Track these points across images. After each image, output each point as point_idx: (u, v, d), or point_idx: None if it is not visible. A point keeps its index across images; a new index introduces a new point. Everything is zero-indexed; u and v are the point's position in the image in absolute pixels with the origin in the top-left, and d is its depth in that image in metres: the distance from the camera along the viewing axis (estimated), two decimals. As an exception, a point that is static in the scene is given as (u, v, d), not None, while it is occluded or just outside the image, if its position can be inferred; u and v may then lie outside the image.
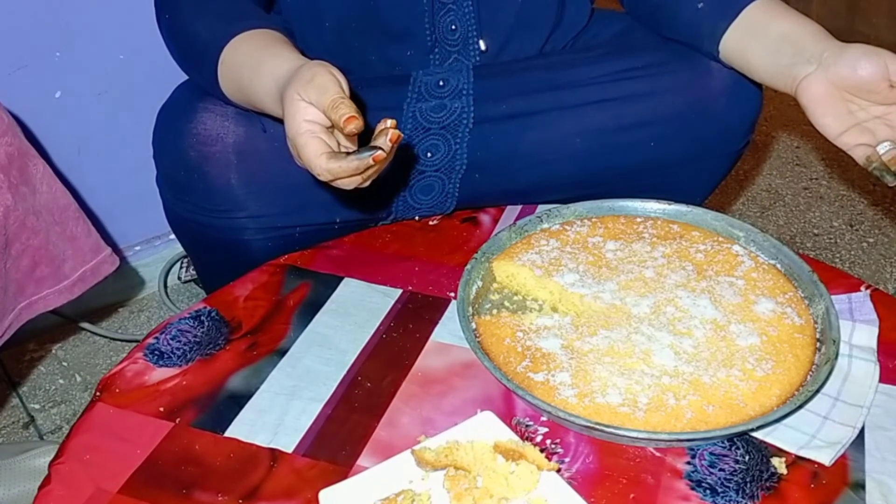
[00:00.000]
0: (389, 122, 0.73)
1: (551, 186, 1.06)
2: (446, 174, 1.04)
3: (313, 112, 0.74)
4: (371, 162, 0.72)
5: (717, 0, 0.96)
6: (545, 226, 0.93)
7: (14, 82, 1.30)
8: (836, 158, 1.92)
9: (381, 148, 0.72)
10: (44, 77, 1.33)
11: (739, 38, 0.94)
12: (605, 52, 1.05)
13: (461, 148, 1.03)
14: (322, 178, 0.74)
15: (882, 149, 0.81)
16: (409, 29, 1.02)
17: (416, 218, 1.04)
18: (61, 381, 1.41)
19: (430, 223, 1.03)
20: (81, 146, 1.41)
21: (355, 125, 0.71)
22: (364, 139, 0.75)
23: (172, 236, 1.50)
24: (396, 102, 1.02)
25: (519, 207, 1.05)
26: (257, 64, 0.84)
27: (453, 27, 1.03)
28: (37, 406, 1.37)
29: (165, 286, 1.59)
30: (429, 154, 1.03)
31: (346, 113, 0.71)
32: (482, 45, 1.05)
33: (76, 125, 1.38)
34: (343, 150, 0.76)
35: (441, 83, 1.02)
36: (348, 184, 0.75)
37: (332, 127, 0.75)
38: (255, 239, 0.99)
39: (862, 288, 0.88)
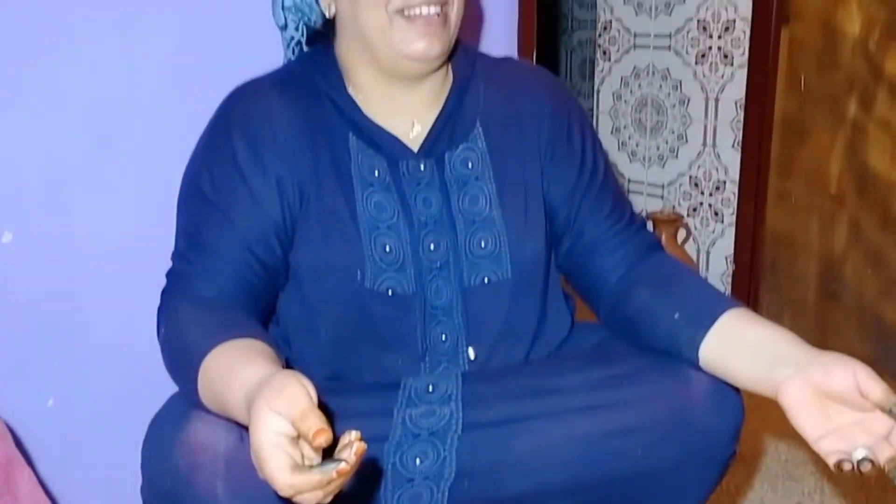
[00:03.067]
0: (354, 435, 0.74)
1: (542, 495, 1.04)
2: (435, 482, 1.03)
3: (280, 423, 0.74)
4: (334, 475, 0.72)
5: (693, 310, 1.03)
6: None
7: (8, 389, 1.32)
8: (826, 472, 1.90)
9: (345, 461, 0.72)
10: (39, 384, 1.35)
11: (717, 346, 0.99)
12: (588, 360, 1.09)
13: (450, 455, 1.03)
14: (284, 494, 0.73)
15: (858, 454, 0.82)
16: (402, 339, 1.07)
17: (404, 529, 1.01)
18: None
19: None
20: (67, 454, 1.39)
21: (325, 438, 0.71)
22: (328, 449, 0.75)
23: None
24: (386, 407, 1.04)
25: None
26: (231, 372, 0.86)
27: (443, 337, 1.09)
28: None
29: None
30: (417, 461, 1.02)
31: (315, 426, 0.72)
32: (472, 354, 1.10)
33: (64, 433, 1.38)
34: (308, 462, 0.75)
35: (430, 388, 1.05)
36: (310, 499, 0.74)
37: (298, 437, 0.75)
38: (238, 550, 0.95)
39: None
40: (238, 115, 1.08)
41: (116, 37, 1.31)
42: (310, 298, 1.08)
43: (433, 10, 1.03)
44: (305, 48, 1.18)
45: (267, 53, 1.23)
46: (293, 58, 1.18)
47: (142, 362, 1.35)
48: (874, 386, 0.87)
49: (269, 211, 1.05)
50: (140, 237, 1.36)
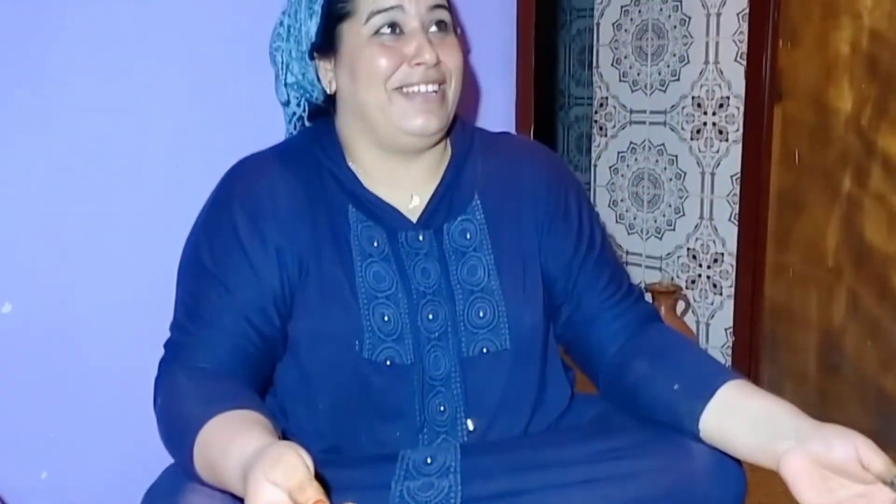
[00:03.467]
0: None
1: (541, 570, 1.02)
2: (433, 557, 1.01)
3: (277, 494, 0.74)
4: None
5: (692, 381, 1.03)
6: None
7: (2, 460, 1.30)
8: (833, 549, 1.86)
9: None
10: (33, 456, 1.34)
11: (717, 417, 0.99)
12: (589, 433, 1.09)
13: (448, 529, 1.01)
14: None
15: None
16: (400, 409, 1.07)
17: None
18: None
19: None
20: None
21: None
22: None
23: None
24: (384, 481, 1.02)
25: None
26: (227, 442, 0.85)
27: (442, 408, 1.08)
28: None
29: None
30: (416, 536, 1.01)
31: (313, 497, 0.71)
32: (470, 426, 1.09)
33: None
34: None
35: (429, 460, 1.04)
36: None
37: None
38: None
39: None
40: (239, 188, 1.09)
41: (120, 110, 1.34)
42: (308, 369, 1.08)
43: (431, 88, 1.06)
44: (307, 123, 1.21)
45: (269, 128, 1.26)
46: (294, 132, 1.21)
47: (137, 435, 1.33)
48: (875, 458, 0.86)
49: (268, 282, 1.05)
50: (139, 308, 1.36)
